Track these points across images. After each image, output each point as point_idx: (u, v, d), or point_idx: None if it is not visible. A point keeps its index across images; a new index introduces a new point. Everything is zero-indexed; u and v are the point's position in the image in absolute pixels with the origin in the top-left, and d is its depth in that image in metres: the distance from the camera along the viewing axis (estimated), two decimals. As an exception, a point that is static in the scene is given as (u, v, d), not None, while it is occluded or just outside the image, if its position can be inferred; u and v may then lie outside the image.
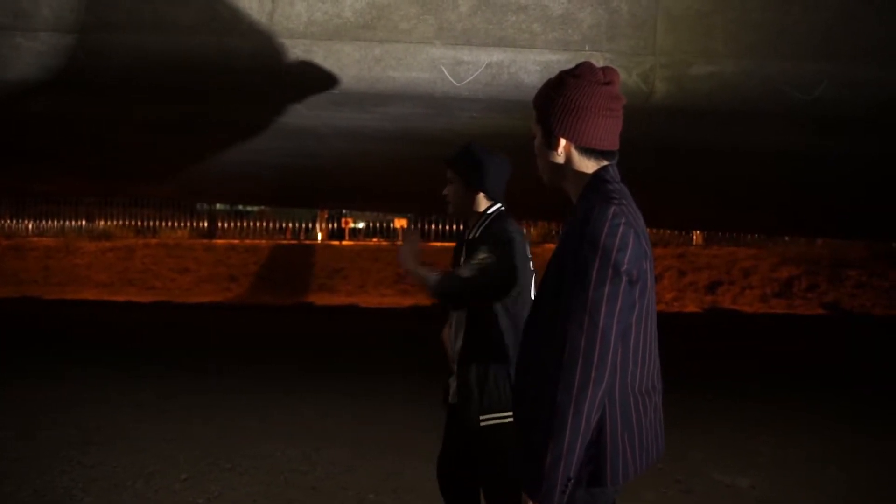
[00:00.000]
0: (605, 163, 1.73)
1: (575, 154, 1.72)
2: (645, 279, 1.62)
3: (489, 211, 2.64)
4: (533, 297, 2.45)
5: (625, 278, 1.56)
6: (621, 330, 1.57)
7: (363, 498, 3.93)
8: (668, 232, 17.40)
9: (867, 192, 6.58)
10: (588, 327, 1.54)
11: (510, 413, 2.25)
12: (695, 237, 18.42)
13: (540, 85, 1.82)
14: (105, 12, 3.29)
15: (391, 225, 21.11)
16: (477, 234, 2.62)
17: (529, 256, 2.55)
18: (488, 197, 2.65)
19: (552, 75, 1.80)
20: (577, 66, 1.74)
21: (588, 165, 1.72)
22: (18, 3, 3.28)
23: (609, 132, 1.71)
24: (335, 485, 4.09)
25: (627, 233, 1.57)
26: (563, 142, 1.72)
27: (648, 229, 1.70)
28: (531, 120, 1.82)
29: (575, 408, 1.53)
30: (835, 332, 11.87)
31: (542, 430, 1.56)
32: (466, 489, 2.70)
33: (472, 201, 2.66)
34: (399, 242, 19.11)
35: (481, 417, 2.48)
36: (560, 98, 1.71)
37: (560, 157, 1.74)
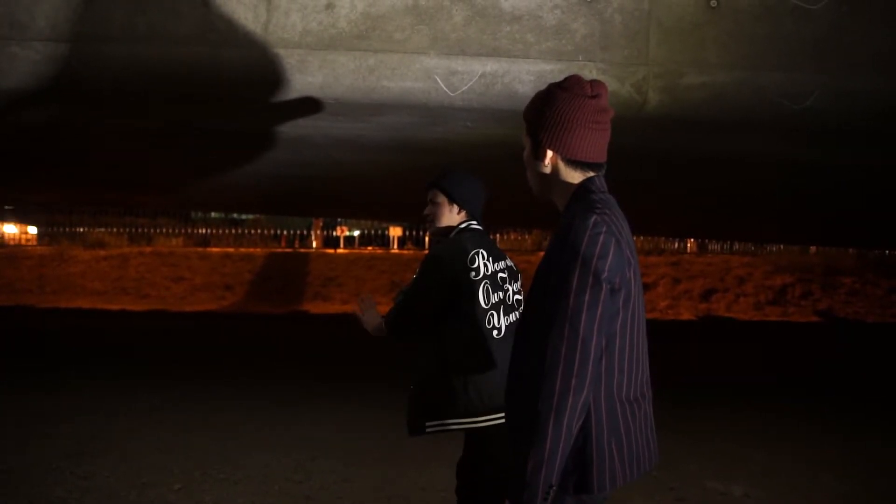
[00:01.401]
0: (591, 174, 1.75)
1: (561, 165, 1.75)
2: (629, 287, 1.63)
3: (460, 226, 2.76)
4: (485, 303, 2.61)
5: (605, 286, 1.57)
6: (603, 338, 1.59)
7: (358, 507, 3.93)
8: (663, 240, 17.46)
9: (861, 201, 6.62)
10: (568, 335, 1.55)
11: (458, 420, 2.54)
12: (689, 245, 18.49)
13: (533, 94, 1.84)
14: (100, 23, 3.30)
15: (386, 233, 21.16)
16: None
17: (474, 267, 2.61)
18: (468, 215, 2.77)
19: (546, 85, 1.82)
20: (566, 79, 1.76)
21: (574, 176, 1.75)
22: (14, 13, 3.29)
23: (595, 144, 1.73)
24: (330, 495, 4.08)
25: (608, 241, 1.59)
26: (549, 153, 1.74)
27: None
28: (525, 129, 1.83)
29: (555, 416, 1.54)
30: (829, 339, 11.91)
31: (525, 437, 1.58)
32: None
33: (452, 218, 2.78)
34: (394, 250, 19.12)
35: (427, 424, 2.62)
36: (547, 110, 1.73)
37: (547, 168, 1.76)
